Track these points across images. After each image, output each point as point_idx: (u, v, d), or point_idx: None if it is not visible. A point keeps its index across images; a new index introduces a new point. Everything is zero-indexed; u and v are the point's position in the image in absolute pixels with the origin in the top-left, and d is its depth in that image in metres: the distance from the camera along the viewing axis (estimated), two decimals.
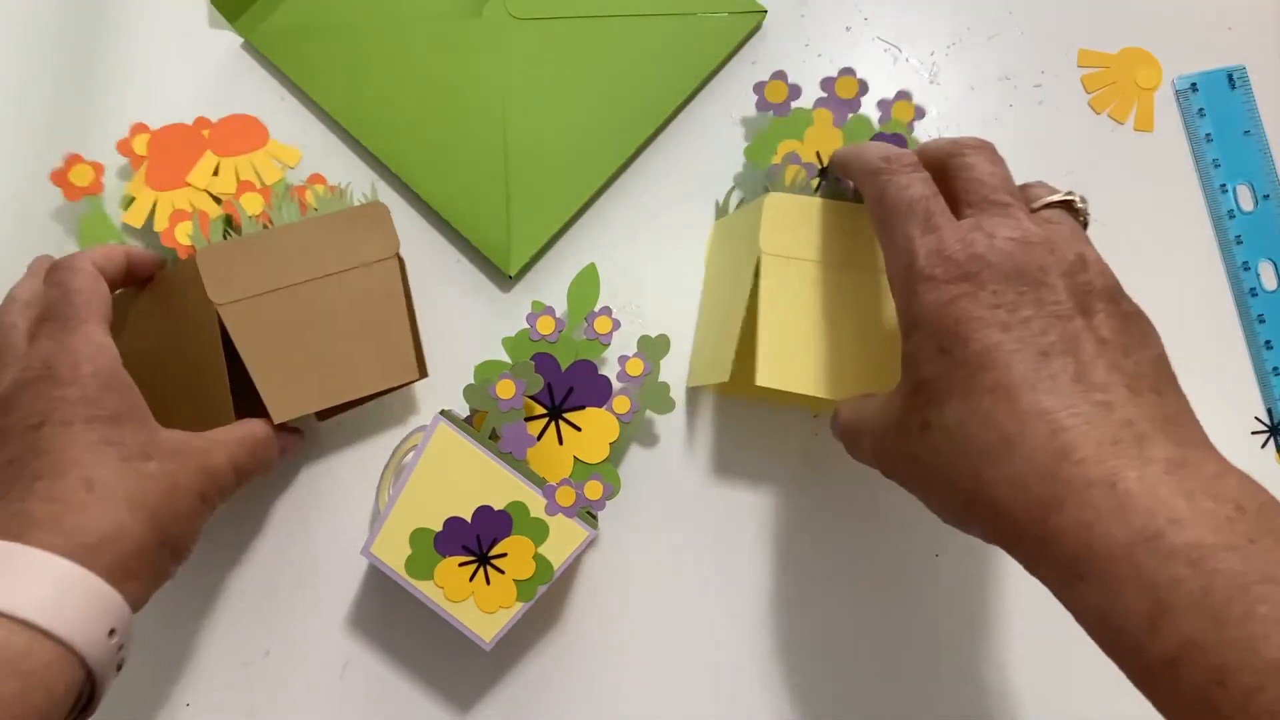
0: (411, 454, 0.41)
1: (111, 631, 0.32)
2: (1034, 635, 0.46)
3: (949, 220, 0.33)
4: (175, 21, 0.51)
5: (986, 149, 0.35)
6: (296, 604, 0.45)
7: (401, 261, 0.43)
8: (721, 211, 0.49)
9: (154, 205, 0.45)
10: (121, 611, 0.33)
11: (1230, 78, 0.51)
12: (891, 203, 0.34)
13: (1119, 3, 0.52)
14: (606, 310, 0.43)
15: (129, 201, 0.45)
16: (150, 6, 0.51)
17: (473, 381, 0.42)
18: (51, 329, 0.37)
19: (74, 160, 0.46)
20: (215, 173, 0.45)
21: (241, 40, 0.50)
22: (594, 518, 0.43)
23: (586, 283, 0.44)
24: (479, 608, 0.40)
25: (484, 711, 0.45)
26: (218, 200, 0.45)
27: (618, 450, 0.43)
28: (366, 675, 0.45)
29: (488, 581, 0.41)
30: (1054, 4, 0.52)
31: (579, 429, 0.42)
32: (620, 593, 0.46)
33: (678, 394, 0.48)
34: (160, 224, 0.44)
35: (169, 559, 0.35)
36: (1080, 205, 0.35)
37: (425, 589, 0.40)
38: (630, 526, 0.46)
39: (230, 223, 0.44)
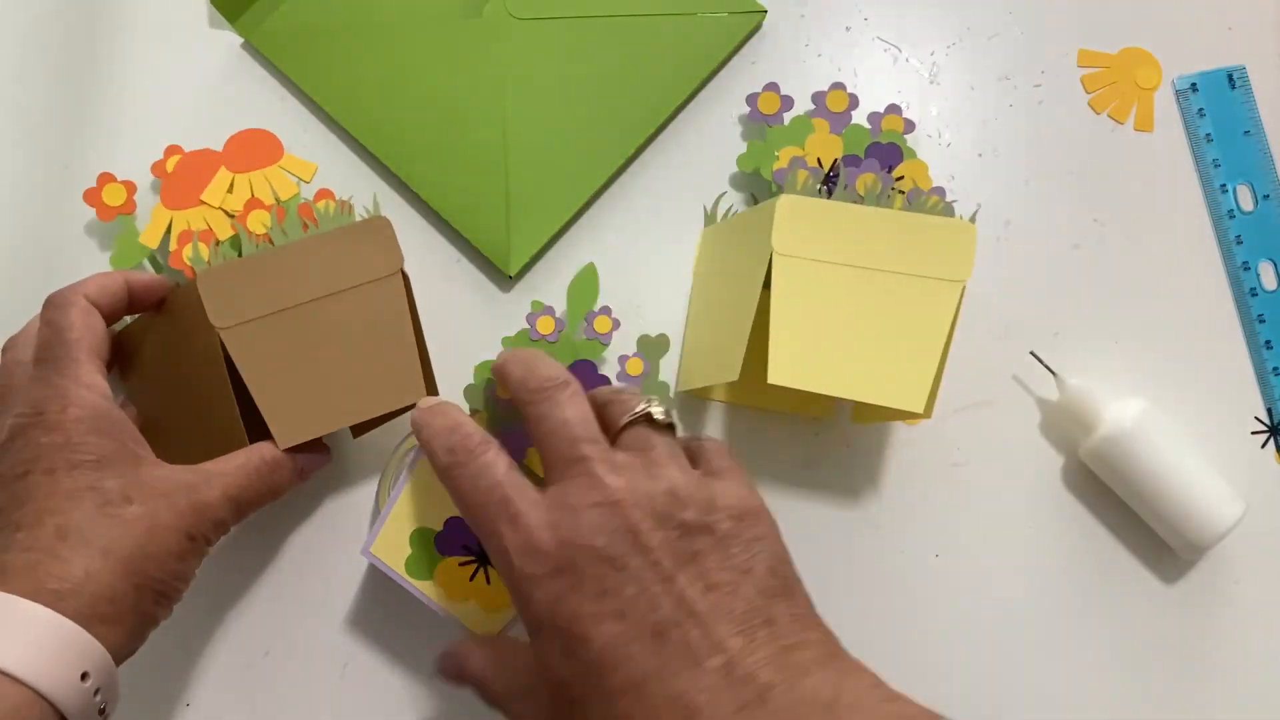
0: (411, 454, 0.41)
1: (85, 675, 0.31)
2: (1033, 635, 0.46)
3: (530, 502, 0.32)
4: (175, 22, 0.51)
5: (556, 390, 0.34)
6: (296, 604, 0.45)
7: (406, 277, 0.42)
8: (710, 219, 0.49)
9: (169, 225, 0.44)
10: (96, 655, 0.32)
11: (1230, 78, 0.51)
12: (470, 500, 0.33)
13: (1119, 3, 0.52)
14: (606, 310, 0.43)
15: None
16: (150, 7, 0.51)
17: (472, 381, 0.42)
18: (43, 370, 0.37)
19: (106, 179, 0.46)
20: (230, 189, 0.45)
21: (241, 40, 0.50)
22: None
23: (586, 283, 0.44)
24: (480, 607, 0.40)
25: (485, 710, 0.45)
26: (232, 217, 0.44)
27: None
28: (366, 675, 0.45)
29: (488, 581, 0.41)
30: (1054, 4, 0.52)
31: None
32: None
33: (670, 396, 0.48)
34: (174, 244, 0.44)
35: (150, 602, 0.35)
36: (660, 416, 0.34)
37: (425, 589, 0.40)
38: None
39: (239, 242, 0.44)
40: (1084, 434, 0.46)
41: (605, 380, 0.42)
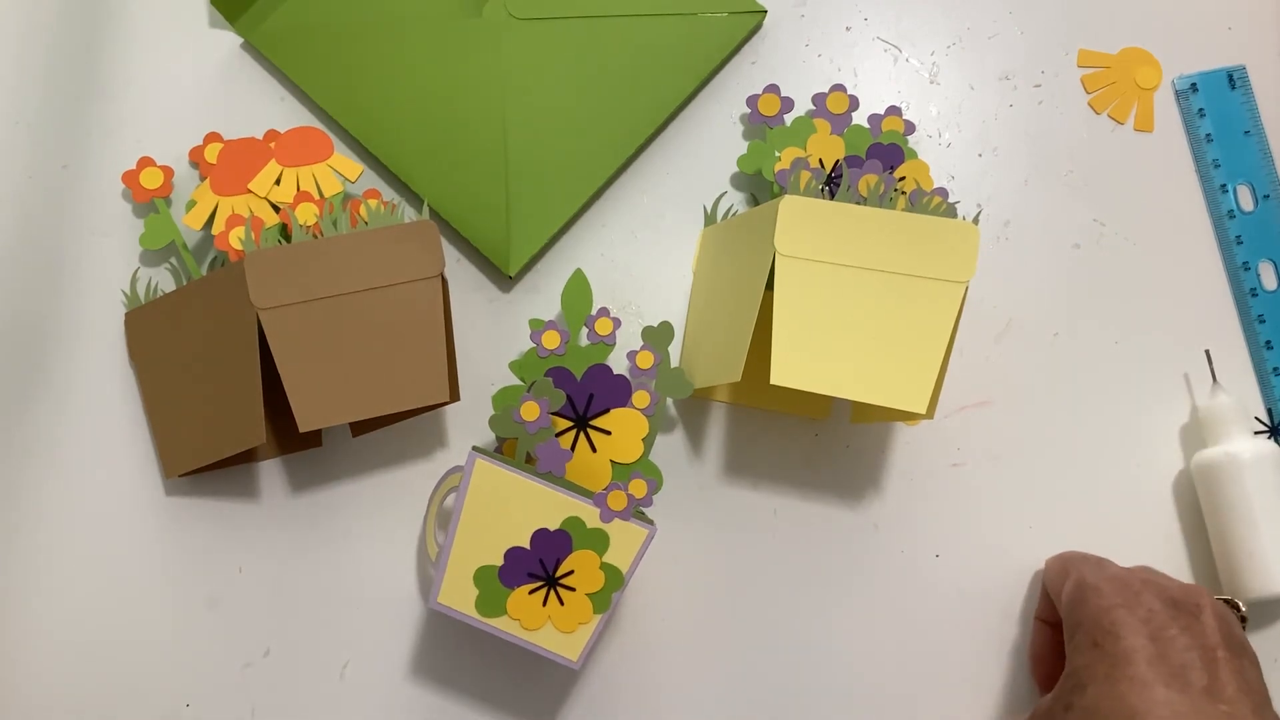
0: (453, 495, 0.41)
1: None
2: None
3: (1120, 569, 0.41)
4: (175, 22, 0.51)
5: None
6: (297, 604, 0.45)
7: (445, 282, 0.43)
8: (710, 219, 0.49)
9: (215, 209, 0.45)
10: None
11: (1230, 78, 0.51)
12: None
13: (1119, 3, 0.52)
14: (604, 311, 0.43)
15: (191, 205, 0.46)
16: (150, 7, 0.51)
17: (493, 411, 0.41)
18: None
19: (145, 162, 0.47)
20: (278, 182, 0.46)
21: (241, 40, 0.50)
22: (645, 515, 0.42)
23: (577, 290, 0.44)
24: (558, 629, 0.41)
25: (486, 710, 0.45)
26: (276, 208, 0.45)
27: (649, 445, 0.43)
28: (366, 675, 0.45)
29: (561, 602, 0.41)
30: (1054, 4, 0.52)
31: (608, 433, 0.42)
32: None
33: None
34: (218, 227, 0.45)
35: None
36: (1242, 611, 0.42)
37: (501, 624, 0.40)
38: None
39: (285, 231, 0.45)
40: (1209, 444, 0.46)
41: (624, 381, 0.42)
